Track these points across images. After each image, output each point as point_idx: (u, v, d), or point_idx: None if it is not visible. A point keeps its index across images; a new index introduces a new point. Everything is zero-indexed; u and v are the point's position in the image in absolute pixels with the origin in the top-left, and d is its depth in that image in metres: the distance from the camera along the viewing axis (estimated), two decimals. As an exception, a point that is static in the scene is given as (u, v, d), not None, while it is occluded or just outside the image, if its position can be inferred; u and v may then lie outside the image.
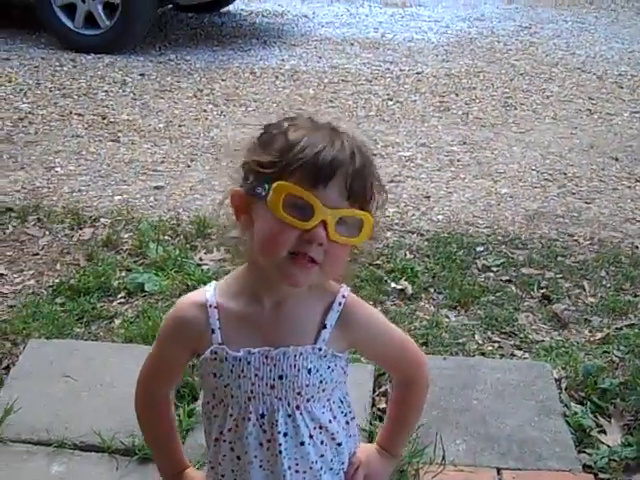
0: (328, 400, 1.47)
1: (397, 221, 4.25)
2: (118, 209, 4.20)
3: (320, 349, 1.42)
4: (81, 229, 4.00)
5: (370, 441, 2.60)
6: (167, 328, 1.50)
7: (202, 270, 3.58)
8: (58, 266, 3.67)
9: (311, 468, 1.46)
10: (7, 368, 2.92)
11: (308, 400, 1.42)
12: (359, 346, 1.56)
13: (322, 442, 1.46)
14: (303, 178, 1.27)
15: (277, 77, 6.49)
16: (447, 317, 3.43)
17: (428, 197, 4.52)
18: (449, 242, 3.99)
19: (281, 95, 6.11)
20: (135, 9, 6.82)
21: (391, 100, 6.02)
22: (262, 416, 1.41)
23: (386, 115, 5.74)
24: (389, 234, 4.10)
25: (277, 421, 1.41)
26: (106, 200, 4.34)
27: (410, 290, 3.61)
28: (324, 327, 1.43)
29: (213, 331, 1.42)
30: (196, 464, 2.04)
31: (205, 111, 5.74)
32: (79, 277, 3.52)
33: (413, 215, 4.33)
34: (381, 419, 2.72)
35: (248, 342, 1.40)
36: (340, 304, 1.45)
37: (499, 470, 2.53)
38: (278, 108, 5.82)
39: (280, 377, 1.40)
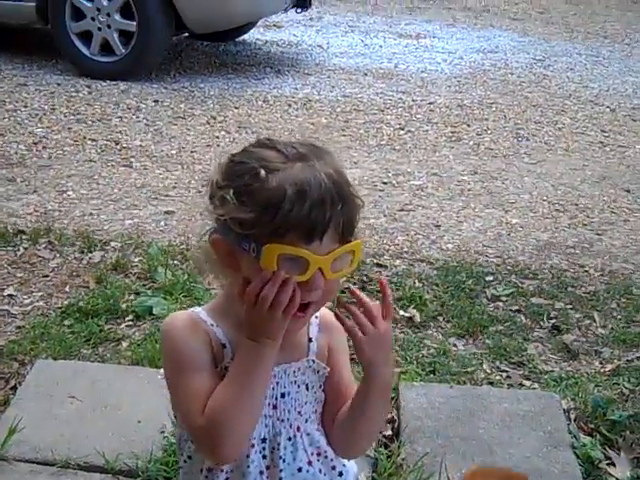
0: (319, 424, 1.44)
1: (406, 249, 4.25)
2: (128, 233, 4.21)
3: (313, 361, 1.41)
4: (91, 252, 4.02)
5: (375, 469, 2.59)
6: (188, 342, 1.36)
7: (210, 294, 3.57)
8: (67, 288, 3.69)
9: None
10: (14, 388, 2.92)
11: (307, 420, 1.40)
12: (330, 352, 1.47)
13: (320, 471, 1.41)
14: (297, 237, 1.24)
15: (290, 105, 6.52)
16: (455, 346, 3.42)
17: (438, 226, 4.52)
18: (458, 271, 3.98)
19: (293, 123, 6.14)
20: (150, 37, 6.88)
21: (403, 129, 6.04)
22: (263, 440, 1.37)
23: (397, 144, 5.75)
24: (398, 262, 4.10)
25: (279, 445, 1.37)
26: (117, 224, 4.36)
27: (418, 318, 3.60)
28: (310, 340, 1.43)
29: (224, 345, 1.36)
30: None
31: (217, 138, 5.78)
32: (88, 299, 3.52)
33: (423, 244, 4.32)
34: (386, 446, 2.71)
35: None
36: (316, 317, 1.44)
37: (505, 501, 2.50)
38: (290, 136, 5.85)
39: (282, 395, 1.37)
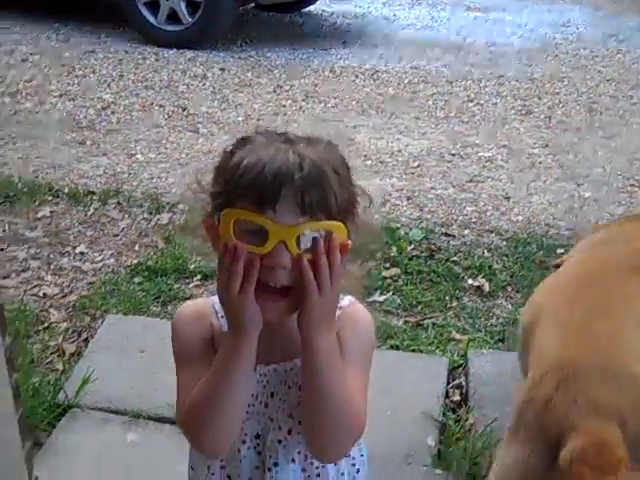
0: None
1: (475, 220, 4.19)
2: (196, 196, 4.22)
3: None
4: (159, 214, 4.04)
5: (442, 433, 2.56)
6: (188, 334, 1.33)
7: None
8: (137, 247, 3.72)
9: None
10: (86, 340, 2.97)
11: (300, 423, 1.30)
12: None
13: (304, 470, 1.34)
14: (249, 202, 1.15)
15: (357, 76, 6.47)
16: (524, 316, 3.36)
17: (508, 198, 4.45)
18: (529, 242, 3.92)
19: (360, 93, 6.09)
20: (217, 7, 6.87)
21: (471, 102, 5.95)
22: (257, 437, 1.32)
23: (466, 117, 5.66)
24: (466, 232, 4.05)
25: (265, 444, 1.31)
26: (184, 188, 4.38)
27: (487, 287, 3.55)
28: None
29: None
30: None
31: (284, 106, 5.76)
32: (157, 259, 3.55)
33: (492, 215, 4.26)
34: (454, 411, 2.68)
35: None
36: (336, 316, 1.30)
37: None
38: (357, 105, 5.81)
39: (272, 395, 1.31)
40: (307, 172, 1.15)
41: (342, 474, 1.41)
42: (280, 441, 1.31)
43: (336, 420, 1.24)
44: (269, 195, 1.13)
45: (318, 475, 1.35)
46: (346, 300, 1.35)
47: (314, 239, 1.17)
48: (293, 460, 1.32)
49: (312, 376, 1.22)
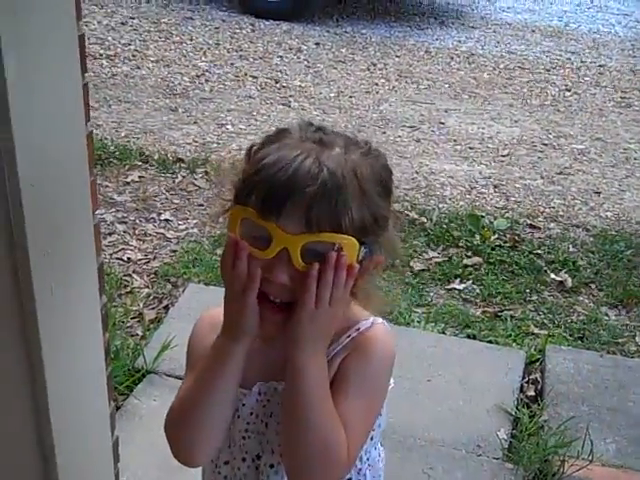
0: None
1: (562, 213, 4.11)
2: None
3: None
4: (246, 186, 4.07)
5: (515, 427, 2.54)
6: (199, 340, 1.27)
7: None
8: (221, 219, 3.74)
9: None
10: (166, 308, 3.02)
11: None
12: (340, 367, 1.19)
13: None
14: (257, 202, 1.07)
15: (452, 58, 6.39)
16: (607, 315, 3.29)
17: (598, 193, 4.34)
18: (617, 240, 3.82)
19: (455, 76, 6.01)
20: (316, -19, 6.88)
21: (569, 91, 5.81)
22: (258, 457, 1.24)
23: (562, 106, 5.54)
24: (552, 225, 3.98)
25: (259, 466, 1.23)
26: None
27: (570, 283, 3.48)
28: None
29: None
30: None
31: (377, 85, 5.73)
32: (240, 231, 3.58)
33: (580, 209, 4.17)
34: (528, 406, 2.65)
35: (247, 373, 1.19)
36: (349, 337, 1.20)
37: (650, 477, 2.40)
38: (450, 88, 5.74)
39: (270, 415, 1.22)
40: (320, 184, 1.04)
41: None
42: (272, 465, 1.23)
43: (313, 454, 1.12)
44: (276, 200, 1.05)
45: None
46: (368, 322, 1.21)
47: (325, 252, 1.08)
48: None
49: (292, 398, 1.13)
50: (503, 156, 4.70)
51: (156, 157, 4.29)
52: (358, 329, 1.20)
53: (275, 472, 1.22)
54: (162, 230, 3.64)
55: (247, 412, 1.22)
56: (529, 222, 3.97)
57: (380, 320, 1.23)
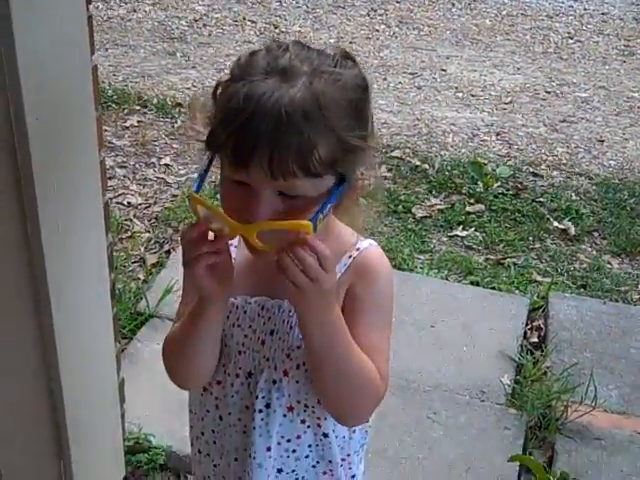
0: None
1: (565, 161, 4.07)
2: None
3: None
4: (246, 131, 4.02)
5: (518, 373, 2.54)
6: None
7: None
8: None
9: (286, 451, 1.27)
10: (168, 252, 3.00)
11: (298, 367, 1.21)
12: (348, 298, 1.20)
13: (304, 422, 1.25)
14: (227, 156, 1.04)
15: (453, 4, 6.29)
16: (609, 263, 3.28)
17: (602, 141, 4.30)
18: (620, 189, 3.80)
19: (456, 23, 5.93)
20: None
21: (572, 39, 5.74)
22: (249, 375, 1.24)
23: (565, 53, 5.47)
24: (555, 173, 3.95)
25: (257, 383, 1.23)
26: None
27: (573, 231, 3.46)
28: None
29: None
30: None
31: (377, 31, 5.64)
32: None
33: (583, 157, 4.13)
34: (531, 352, 2.64)
35: (248, 289, 1.22)
36: (351, 257, 1.20)
37: (651, 422, 2.41)
38: (452, 35, 5.66)
39: (272, 332, 1.22)
40: (278, 128, 1.00)
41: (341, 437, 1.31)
42: (275, 381, 1.22)
43: (352, 394, 1.17)
44: (241, 155, 1.02)
45: (319, 426, 1.27)
46: (365, 242, 1.22)
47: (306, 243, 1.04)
48: (291, 409, 1.24)
49: (318, 358, 1.14)
50: (505, 104, 4.65)
51: (155, 102, 4.23)
52: (358, 249, 1.20)
53: (277, 388, 1.22)
54: (162, 175, 3.60)
55: (247, 324, 1.23)
56: (532, 170, 3.94)
57: (373, 242, 1.23)
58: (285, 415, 1.24)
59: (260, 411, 1.23)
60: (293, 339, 1.20)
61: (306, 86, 1.03)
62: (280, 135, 1.00)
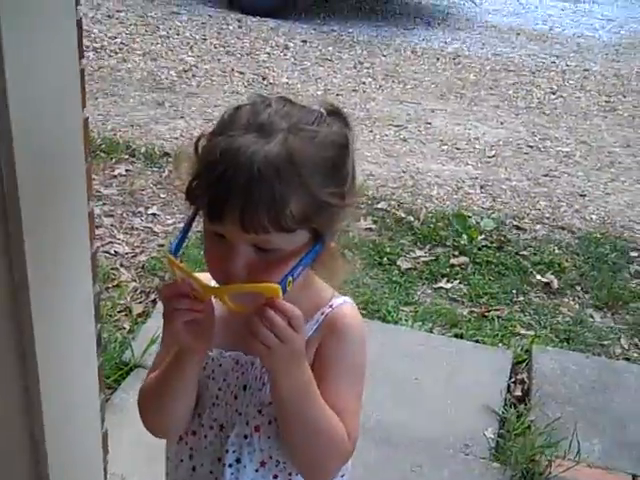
0: None
1: (548, 215, 4.12)
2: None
3: None
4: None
5: (502, 426, 2.54)
6: None
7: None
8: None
9: None
10: (154, 301, 3.00)
11: (270, 422, 1.21)
12: (317, 357, 1.20)
13: (276, 477, 1.25)
14: (204, 209, 1.07)
15: (438, 59, 6.40)
16: (592, 317, 3.30)
17: (583, 195, 4.36)
18: (602, 243, 3.84)
19: (441, 77, 6.02)
20: (303, -22, 6.87)
21: (554, 94, 5.84)
22: (222, 428, 1.24)
23: (547, 108, 5.57)
24: (538, 227, 3.99)
25: (227, 437, 1.23)
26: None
27: (555, 284, 3.49)
28: None
29: None
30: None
31: (364, 83, 5.73)
32: (227, 226, 3.56)
33: (565, 211, 4.18)
34: (515, 406, 2.65)
35: (224, 343, 1.22)
36: (323, 314, 1.20)
37: (635, 477, 2.41)
38: (437, 89, 5.75)
39: (244, 387, 1.22)
40: (250, 186, 1.01)
41: None
42: (246, 436, 1.22)
43: (319, 453, 1.17)
44: (215, 208, 1.05)
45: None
46: (340, 299, 1.22)
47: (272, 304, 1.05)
48: (263, 464, 1.23)
49: (284, 414, 1.15)
50: (489, 157, 4.71)
51: (143, 151, 4.27)
52: (331, 305, 1.21)
53: (248, 444, 1.22)
54: (150, 224, 3.62)
55: (221, 377, 1.23)
56: (515, 223, 3.98)
57: (348, 299, 1.24)
58: (257, 470, 1.24)
59: (230, 465, 1.23)
60: (265, 395, 1.20)
61: (281, 142, 1.05)
62: (252, 190, 1.02)
